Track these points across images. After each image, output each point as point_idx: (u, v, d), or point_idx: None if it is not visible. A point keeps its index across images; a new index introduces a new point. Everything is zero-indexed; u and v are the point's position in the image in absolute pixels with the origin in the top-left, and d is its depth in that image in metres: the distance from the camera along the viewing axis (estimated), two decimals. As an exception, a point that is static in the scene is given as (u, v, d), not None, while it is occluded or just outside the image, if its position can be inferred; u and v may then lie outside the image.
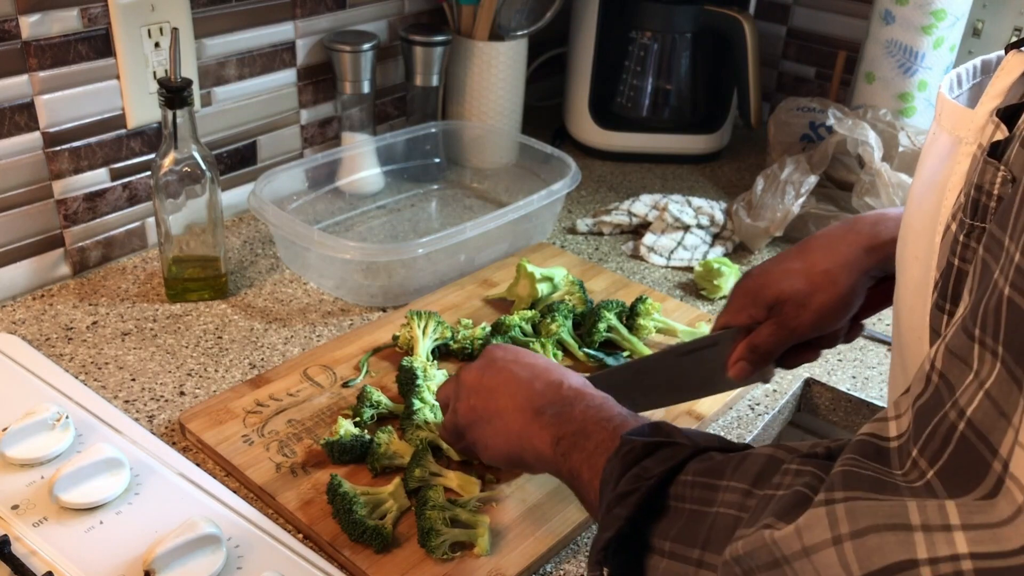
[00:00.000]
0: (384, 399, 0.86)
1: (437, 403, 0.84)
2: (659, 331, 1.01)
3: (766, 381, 0.82)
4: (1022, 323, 0.35)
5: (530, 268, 1.03)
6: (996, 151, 0.46)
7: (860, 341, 1.04)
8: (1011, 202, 0.39)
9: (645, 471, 0.53)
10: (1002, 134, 0.47)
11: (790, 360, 0.79)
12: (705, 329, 1.01)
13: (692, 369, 0.81)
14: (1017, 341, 0.36)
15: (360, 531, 0.72)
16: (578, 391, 0.67)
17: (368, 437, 0.81)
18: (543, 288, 1.03)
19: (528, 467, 0.69)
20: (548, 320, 0.97)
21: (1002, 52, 0.51)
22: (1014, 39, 0.52)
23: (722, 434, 0.90)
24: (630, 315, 1.00)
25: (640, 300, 1.00)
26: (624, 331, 0.98)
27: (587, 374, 0.74)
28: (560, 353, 0.96)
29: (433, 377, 0.88)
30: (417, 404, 0.84)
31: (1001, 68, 0.49)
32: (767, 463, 0.49)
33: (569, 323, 0.98)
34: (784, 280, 0.75)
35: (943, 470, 0.38)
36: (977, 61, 0.60)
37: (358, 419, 0.84)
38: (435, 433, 0.82)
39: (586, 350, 0.97)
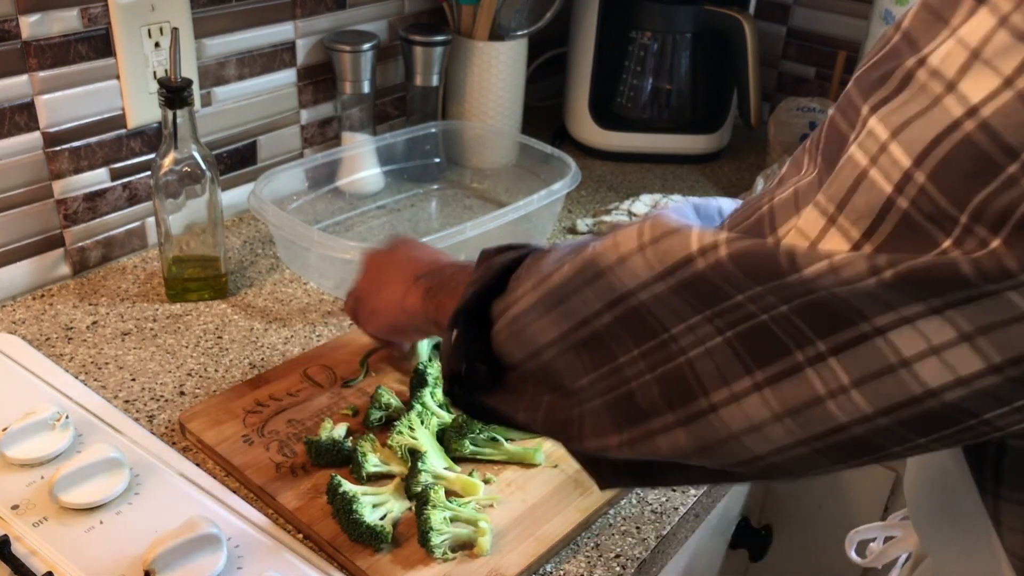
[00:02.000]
0: (396, 401, 0.86)
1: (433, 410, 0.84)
2: (659, 331, 1.01)
3: None
4: (836, 138, 0.41)
5: (530, 268, 1.03)
6: None
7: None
8: None
9: (493, 263, 0.60)
10: None
11: None
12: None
13: None
14: (829, 152, 0.41)
15: (360, 531, 0.72)
16: (460, 264, 0.73)
17: (349, 446, 0.80)
18: (543, 288, 1.02)
19: (404, 331, 0.75)
20: (548, 320, 0.97)
21: None
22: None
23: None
24: (630, 315, 1.00)
25: (640, 300, 1.00)
26: (624, 331, 0.98)
27: None
28: (560, 353, 0.96)
29: (439, 382, 0.88)
30: (417, 408, 0.84)
31: None
32: None
33: (569, 323, 0.98)
34: None
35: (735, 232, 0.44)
36: None
37: (367, 420, 0.84)
38: (417, 440, 0.81)
39: (586, 350, 0.97)
